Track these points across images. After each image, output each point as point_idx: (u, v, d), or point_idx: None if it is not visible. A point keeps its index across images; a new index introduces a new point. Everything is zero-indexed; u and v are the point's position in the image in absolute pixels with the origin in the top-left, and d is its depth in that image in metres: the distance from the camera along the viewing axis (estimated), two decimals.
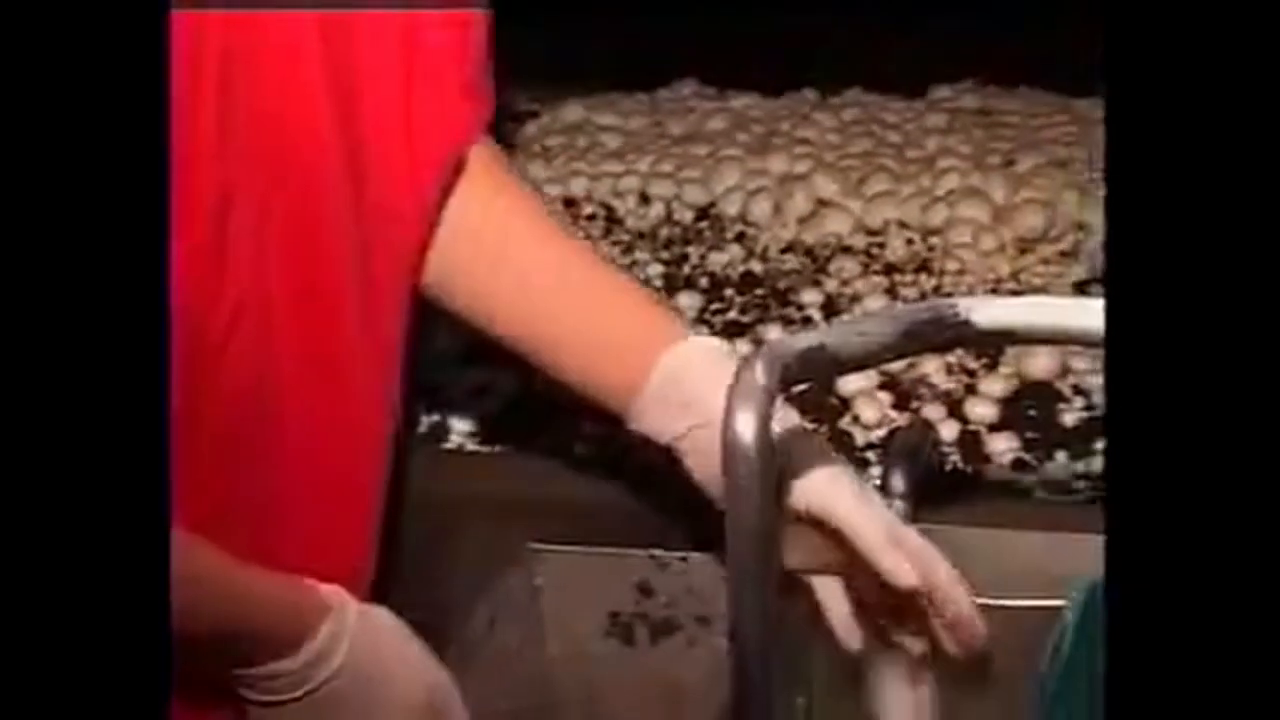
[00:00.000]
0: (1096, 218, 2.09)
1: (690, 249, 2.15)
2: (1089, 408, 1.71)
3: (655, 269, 2.09)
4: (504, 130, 2.57)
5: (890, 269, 2.07)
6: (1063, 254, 2.08)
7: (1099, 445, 1.66)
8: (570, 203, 2.28)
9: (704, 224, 2.22)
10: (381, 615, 1.57)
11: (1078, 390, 1.74)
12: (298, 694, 1.51)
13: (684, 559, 1.51)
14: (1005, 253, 2.09)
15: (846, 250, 2.12)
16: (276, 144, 1.50)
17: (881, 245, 2.12)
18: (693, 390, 1.57)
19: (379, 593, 1.63)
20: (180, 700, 1.45)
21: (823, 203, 2.19)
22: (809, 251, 2.12)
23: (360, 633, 1.53)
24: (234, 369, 1.48)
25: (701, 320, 1.96)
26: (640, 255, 2.14)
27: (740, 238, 2.17)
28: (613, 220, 2.25)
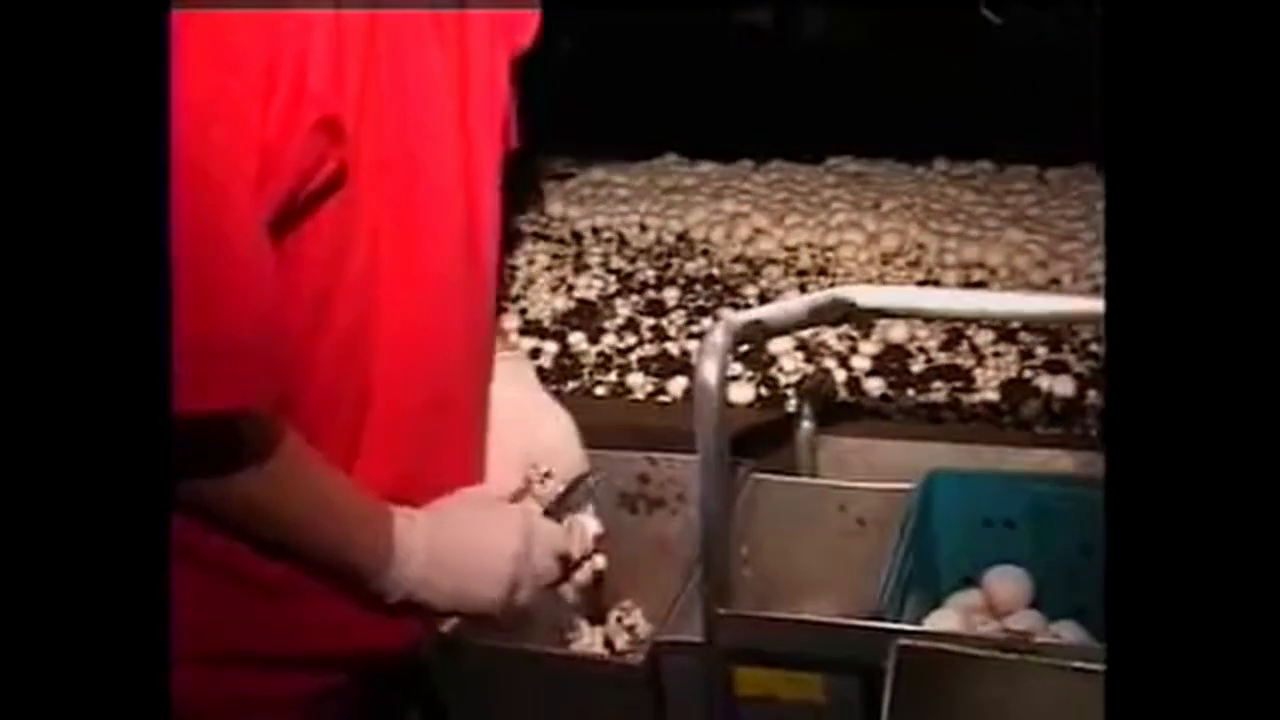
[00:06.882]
0: (932, 241, 2.04)
1: (673, 260, 2.21)
2: (928, 360, 1.69)
3: (650, 273, 2.09)
4: (552, 185, 2.54)
5: (801, 273, 2.08)
6: (910, 264, 2.06)
7: (936, 385, 1.63)
8: (595, 230, 2.27)
9: (681, 244, 2.28)
10: (452, 504, 1.27)
11: (921, 349, 1.72)
12: (402, 596, 1.22)
13: (669, 459, 1.49)
14: (874, 262, 2.06)
15: (773, 261, 2.15)
16: None
17: (796, 258, 2.13)
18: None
19: None
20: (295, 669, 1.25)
21: (758, 231, 2.26)
22: (749, 262, 2.17)
23: (433, 530, 1.22)
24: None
25: (680, 306, 1.92)
26: (640, 264, 2.15)
27: (705, 253, 2.23)
28: (623, 242, 2.27)
